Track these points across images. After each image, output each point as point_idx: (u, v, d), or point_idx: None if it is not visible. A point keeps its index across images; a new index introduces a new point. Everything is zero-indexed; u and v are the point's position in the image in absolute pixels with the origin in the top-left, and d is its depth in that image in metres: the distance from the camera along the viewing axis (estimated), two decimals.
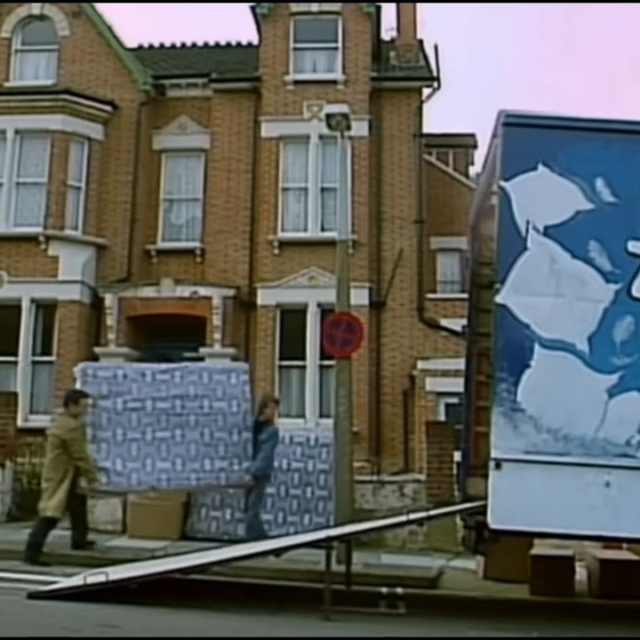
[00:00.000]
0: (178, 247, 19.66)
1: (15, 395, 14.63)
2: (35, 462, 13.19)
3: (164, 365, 11.76)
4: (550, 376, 7.79)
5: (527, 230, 7.99)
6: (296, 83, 19.34)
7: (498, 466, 7.67)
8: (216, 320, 18.15)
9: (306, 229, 18.84)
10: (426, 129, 19.93)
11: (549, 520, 7.63)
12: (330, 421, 12.33)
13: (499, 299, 7.95)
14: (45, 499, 10.47)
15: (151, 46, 22.96)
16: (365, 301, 17.85)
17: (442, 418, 16.99)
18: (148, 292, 18.46)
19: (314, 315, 18.17)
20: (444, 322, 18.38)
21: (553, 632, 7.81)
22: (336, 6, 19.57)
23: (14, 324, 17.97)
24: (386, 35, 21.65)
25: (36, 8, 19.89)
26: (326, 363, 16.47)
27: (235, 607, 8.09)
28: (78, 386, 11.12)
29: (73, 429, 10.53)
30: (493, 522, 7.64)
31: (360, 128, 17.84)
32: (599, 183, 8.04)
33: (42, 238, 18.17)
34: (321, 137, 18.55)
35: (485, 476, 7.84)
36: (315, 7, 19.65)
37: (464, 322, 11.59)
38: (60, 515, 10.46)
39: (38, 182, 18.56)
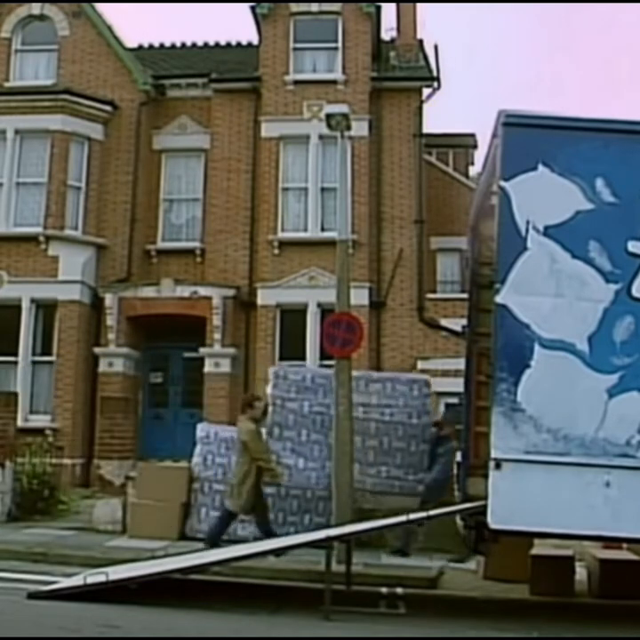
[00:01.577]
0: (178, 247, 19.67)
1: (15, 395, 14.62)
2: (35, 462, 13.21)
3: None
4: (550, 376, 7.78)
5: (527, 230, 7.99)
6: (296, 83, 19.34)
7: (498, 466, 7.67)
8: (216, 320, 18.16)
9: (306, 229, 18.84)
10: (426, 129, 19.97)
11: (549, 520, 7.63)
12: None
13: (499, 299, 7.95)
14: (231, 495, 10.80)
15: (151, 46, 22.98)
16: (365, 301, 17.86)
17: None
18: (148, 292, 18.46)
19: (314, 315, 18.18)
20: (444, 322, 18.39)
21: (553, 632, 7.81)
22: (336, 6, 19.58)
23: (14, 324, 17.98)
24: (386, 35, 21.68)
25: (35, 8, 19.90)
26: (326, 363, 16.45)
27: (235, 607, 8.08)
28: (269, 387, 11.90)
29: (250, 431, 10.89)
30: (493, 522, 7.64)
31: (360, 128, 17.85)
32: (599, 183, 8.03)
33: (42, 238, 18.18)
34: (321, 137, 18.56)
35: (485, 476, 7.83)
36: (315, 7, 19.66)
37: (464, 322, 11.59)
38: (239, 511, 10.78)
39: (38, 182, 18.57)
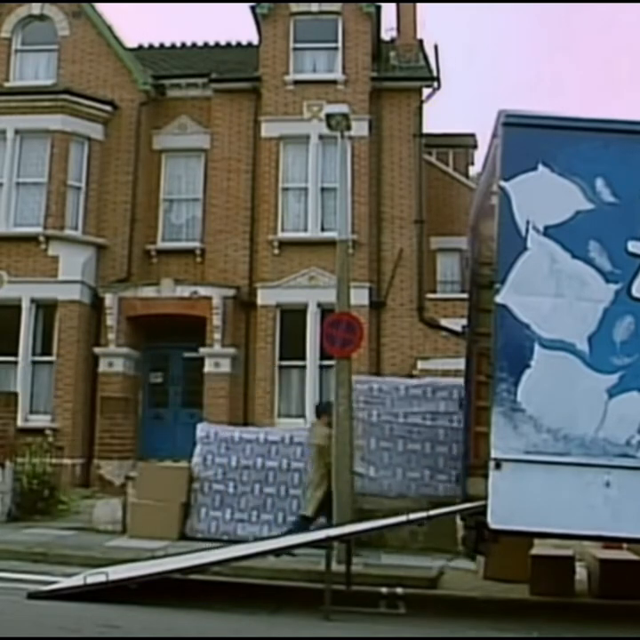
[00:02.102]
0: (178, 247, 19.67)
1: (15, 395, 14.61)
2: (35, 462, 13.21)
3: (416, 381, 12.42)
4: (550, 376, 7.78)
5: (527, 230, 7.99)
6: (296, 83, 19.34)
7: (498, 466, 7.67)
8: (216, 320, 18.15)
9: (306, 229, 18.84)
10: (426, 129, 19.96)
11: (549, 520, 7.63)
12: None
13: (499, 299, 7.95)
14: (307, 499, 11.24)
15: (151, 46, 22.98)
16: (365, 301, 17.86)
17: None
18: (148, 292, 18.46)
19: (314, 315, 18.18)
20: (444, 322, 18.39)
21: (553, 632, 7.81)
22: (336, 6, 19.58)
23: (14, 324, 17.98)
24: (386, 35, 21.67)
25: (35, 8, 19.90)
26: (326, 363, 16.47)
27: (235, 607, 8.09)
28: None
29: (326, 436, 11.12)
30: (493, 522, 7.64)
31: (360, 128, 17.85)
32: (599, 183, 8.03)
33: (42, 238, 18.18)
34: (321, 137, 18.56)
35: (485, 476, 7.83)
36: (315, 7, 19.66)
37: (464, 322, 11.59)
38: (311, 514, 11.08)
39: (38, 182, 18.57)
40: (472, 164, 26.39)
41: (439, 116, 54.54)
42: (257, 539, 10.91)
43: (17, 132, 18.66)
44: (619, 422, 7.69)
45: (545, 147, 8.13)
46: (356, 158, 18.36)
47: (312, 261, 18.37)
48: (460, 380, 11.07)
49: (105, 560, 9.69)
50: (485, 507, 7.69)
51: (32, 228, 18.29)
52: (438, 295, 20.27)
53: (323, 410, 11.81)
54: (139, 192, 19.36)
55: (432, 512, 9.14)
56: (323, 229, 18.61)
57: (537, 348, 7.81)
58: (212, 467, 11.95)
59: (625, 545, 10.07)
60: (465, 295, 11.46)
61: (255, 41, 20.85)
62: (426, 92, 19.63)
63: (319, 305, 18.01)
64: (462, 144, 26.39)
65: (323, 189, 18.83)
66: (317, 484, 11.07)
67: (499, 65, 63.44)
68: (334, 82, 19.25)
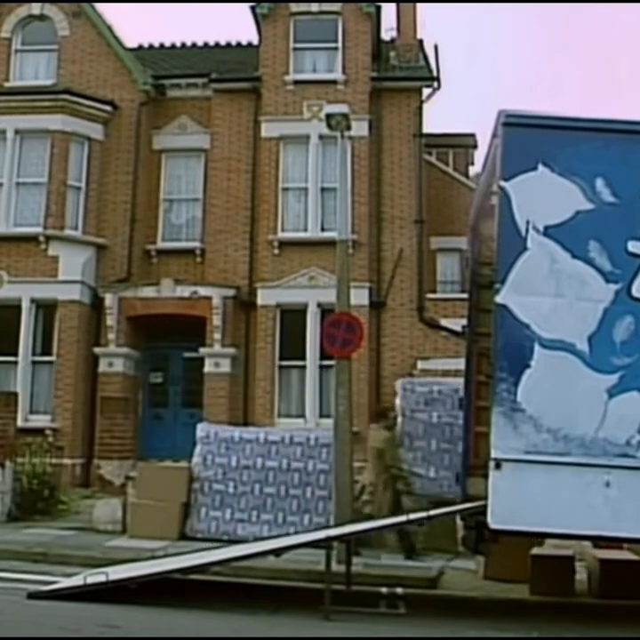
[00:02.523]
0: (178, 247, 19.66)
1: (15, 395, 14.62)
2: (35, 462, 13.21)
3: None
4: (550, 376, 7.79)
5: (527, 230, 7.99)
6: (296, 83, 19.33)
7: (498, 466, 7.67)
8: (216, 320, 18.15)
9: (306, 229, 18.84)
10: (426, 129, 19.95)
11: (549, 520, 7.63)
12: (330, 421, 12.35)
13: (499, 299, 7.95)
14: (372, 503, 11.22)
15: (151, 46, 22.97)
16: (365, 301, 17.85)
17: None
18: (148, 292, 18.46)
19: (314, 315, 18.17)
20: (444, 322, 18.39)
21: (553, 632, 7.81)
22: (336, 6, 19.57)
23: (14, 324, 17.97)
24: (386, 35, 21.67)
25: (36, 8, 19.90)
26: (326, 363, 16.47)
27: (235, 607, 8.09)
28: (398, 399, 12.32)
29: (385, 439, 11.36)
30: (493, 522, 7.64)
31: (360, 128, 17.85)
32: (599, 183, 8.03)
33: (42, 238, 18.18)
34: (321, 137, 18.56)
35: (485, 476, 7.83)
36: (315, 7, 19.65)
37: (464, 322, 11.60)
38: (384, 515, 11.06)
39: (38, 182, 18.57)
40: (472, 164, 26.40)
41: (439, 115, 54.51)
42: (257, 539, 10.91)
43: (17, 131, 18.65)
44: (619, 422, 7.69)
45: (545, 147, 8.13)
46: (356, 158, 18.36)
47: (312, 261, 18.37)
48: None
49: (105, 560, 9.69)
50: (485, 507, 7.69)
51: (32, 228, 18.29)
52: (438, 295, 20.26)
53: (380, 413, 12.11)
54: (139, 192, 19.36)
55: (432, 512, 9.14)
56: (323, 229, 18.60)
57: (537, 347, 7.81)
58: (211, 467, 11.95)
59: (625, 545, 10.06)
60: (465, 295, 11.46)
61: (255, 41, 20.85)
62: (426, 91, 19.63)
63: (319, 305, 18.01)
64: (462, 144, 26.40)
65: (323, 189, 18.83)
66: (383, 487, 11.14)
67: (499, 65, 63.50)
68: (334, 82, 19.25)
